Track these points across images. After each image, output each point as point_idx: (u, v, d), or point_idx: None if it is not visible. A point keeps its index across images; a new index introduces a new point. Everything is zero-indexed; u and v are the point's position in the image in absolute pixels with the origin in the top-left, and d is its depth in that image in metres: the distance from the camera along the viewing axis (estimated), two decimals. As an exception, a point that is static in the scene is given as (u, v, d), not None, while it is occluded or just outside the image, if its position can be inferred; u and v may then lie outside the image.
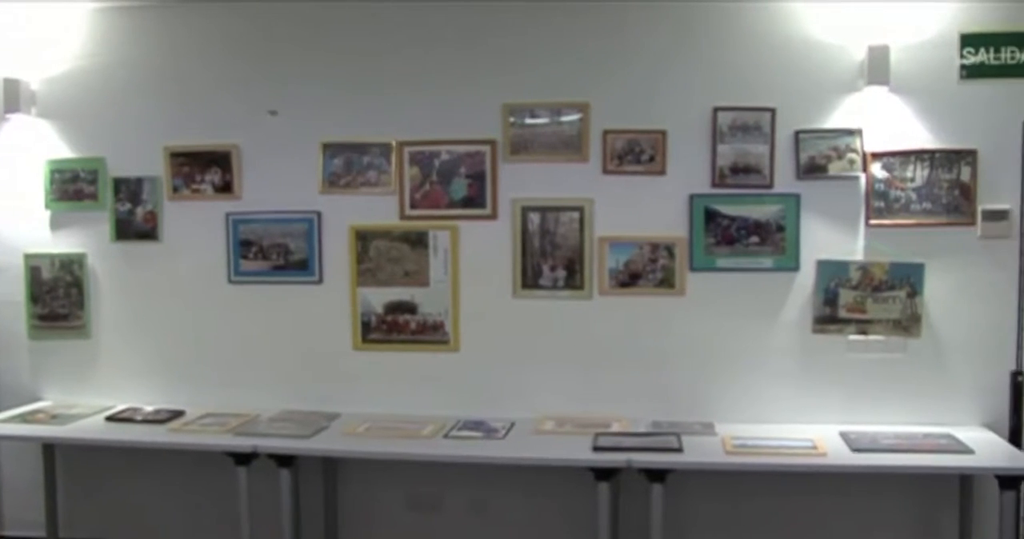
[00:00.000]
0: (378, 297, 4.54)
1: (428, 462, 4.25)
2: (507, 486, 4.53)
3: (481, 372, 4.52)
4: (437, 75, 4.48)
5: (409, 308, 4.53)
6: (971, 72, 4.25)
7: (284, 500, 4.16)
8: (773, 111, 4.28)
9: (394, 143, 4.49)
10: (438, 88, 4.47)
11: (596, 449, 3.96)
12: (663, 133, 4.33)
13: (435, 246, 4.48)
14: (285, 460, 4.13)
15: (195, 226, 4.70)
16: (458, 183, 4.45)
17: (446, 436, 4.19)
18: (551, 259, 4.42)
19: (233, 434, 4.22)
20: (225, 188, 4.62)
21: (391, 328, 4.54)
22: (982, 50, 4.24)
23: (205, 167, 4.62)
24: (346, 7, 4.51)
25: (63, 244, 4.83)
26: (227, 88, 4.63)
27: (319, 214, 4.56)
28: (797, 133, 4.28)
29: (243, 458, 4.13)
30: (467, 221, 4.47)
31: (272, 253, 4.60)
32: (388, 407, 4.54)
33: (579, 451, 3.96)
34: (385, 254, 4.51)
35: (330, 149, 4.53)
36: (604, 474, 3.90)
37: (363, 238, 4.53)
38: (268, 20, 4.58)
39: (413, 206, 4.50)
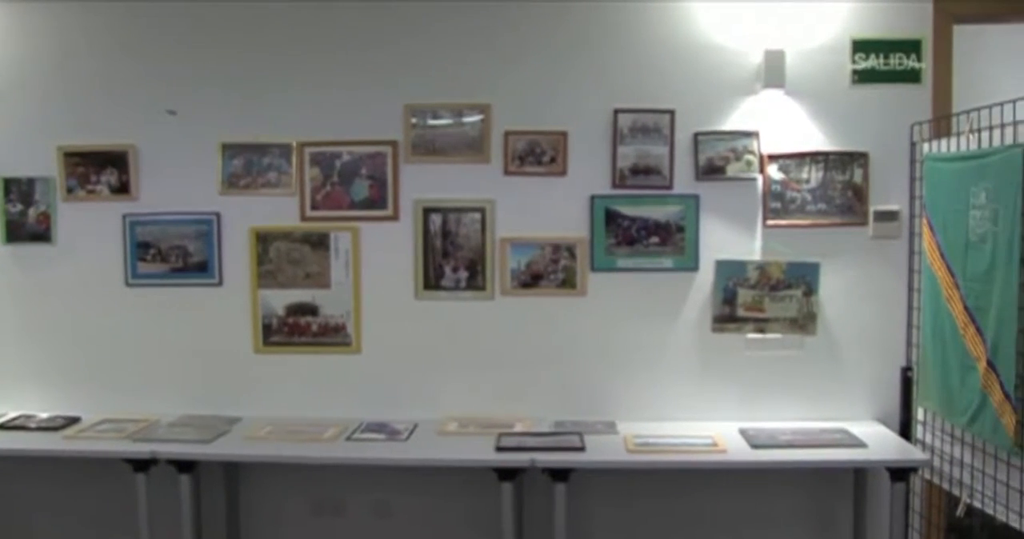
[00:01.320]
0: (279, 299, 4.49)
1: (331, 465, 4.21)
2: (411, 488, 4.52)
3: (384, 374, 4.49)
4: (338, 76, 4.44)
5: (310, 310, 4.49)
6: (862, 77, 4.37)
7: (184, 507, 4.09)
8: (672, 113, 4.34)
9: (294, 144, 4.44)
10: (339, 89, 4.44)
11: (499, 449, 3.97)
12: (564, 134, 4.36)
13: (336, 247, 4.44)
14: (185, 466, 4.06)
15: (91, 228, 4.58)
16: (359, 184, 4.42)
17: (349, 439, 4.16)
18: (453, 260, 4.41)
19: (131, 440, 4.14)
20: (122, 189, 4.52)
21: (292, 330, 4.50)
22: (872, 56, 4.36)
23: (101, 167, 4.51)
24: (246, 6, 4.45)
25: (-49, 247, 4.68)
26: (123, 87, 4.52)
27: (218, 215, 4.49)
28: (696, 135, 4.35)
29: (141, 464, 4.04)
30: (368, 222, 4.44)
31: (170, 255, 4.51)
32: (290, 410, 4.49)
33: (482, 452, 3.98)
34: (286, 256, 4.46)
35: (229, 150, 4.46)
36: (507, 474, 3.91)
37: (263, 240, 4.47)
38: (165, 18, 4.48)
39: (314, 207, 4.45)
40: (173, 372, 4.58)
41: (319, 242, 4.45)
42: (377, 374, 4.50)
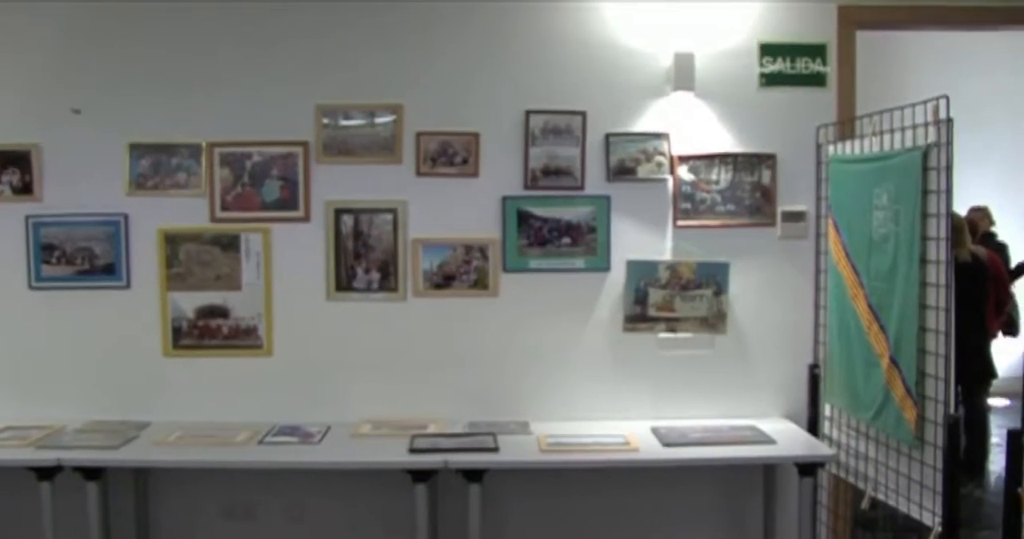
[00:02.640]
0: (189, 302, 4.42)
1: (243, 469, 4.17)
2: (324, 491, 4.47)
3: (296, 376, 4.45)
4: (249, 75, 4.39)
5: (221, 313, 4.42)
6: (769, 80, 4.45)
7: (92, 515, 3.98)
8: (584, 114, 4.37)
9: (204, 144, 4.38)
10: (250, 89, 4.38)
11: (413, 451, 3.95)
12: (476, 135, 4.36)
13: (247, 249, 4.39)
14: (92, 473, 3.95)
15: (-9, 229, 4.46)
16: (271, 185, 4.38)
17: (260, 442, 4.11)
18: (365, 261, 4.39)
19: (35, 448, 4.02)
20: (24, 190, 4.40)
21: (203, 333, 4.43)
22: (779, 59, 4.44)
23: (2, 167, 4.40)
24: (154, 5, 4.36)
25: None
26: (26, 84, 4.40)
27: (126, 217, 4.41)
28: (607, 136, 4.39)
29: (46, 472, 3.93)
30: (280, 223, 4.40)
31: (76, 257, 4.41)
32: (201, 415, 4.41)
33: (396, 453, 3.95)
34: (196, 258, 4.40)
35: (137, 150, 4.38)
36: (421, 476, 3.90)
37: (172, 241, 4.40)
38: (70, 15, 4.38)
39: (224, 208, 4.39)
40: (79, 377, 4.48)
41: (230, 244, 4.39)
42: (289, 377, 4.45)
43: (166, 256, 4.41)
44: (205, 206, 4.41)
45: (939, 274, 3.47)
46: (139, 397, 4.47)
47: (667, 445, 4.06)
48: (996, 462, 5.98)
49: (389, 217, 4.37)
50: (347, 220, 4.38)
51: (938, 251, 3.48)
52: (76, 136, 4.41)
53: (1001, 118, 4.49)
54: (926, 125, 3.53)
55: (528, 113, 4.35)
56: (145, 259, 4.43)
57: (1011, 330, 6.69)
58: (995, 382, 7.13)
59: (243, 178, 4.38)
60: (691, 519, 4.57)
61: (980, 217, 7.16)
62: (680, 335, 4.43)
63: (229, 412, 4.42)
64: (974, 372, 6.13)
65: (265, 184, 4.38)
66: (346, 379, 4.46)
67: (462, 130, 4.36)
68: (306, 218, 4.39)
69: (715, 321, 4.42)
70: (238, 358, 4.46)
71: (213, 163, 4.38)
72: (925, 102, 3.53)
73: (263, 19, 4.38)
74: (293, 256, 4.41)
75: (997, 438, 6.49)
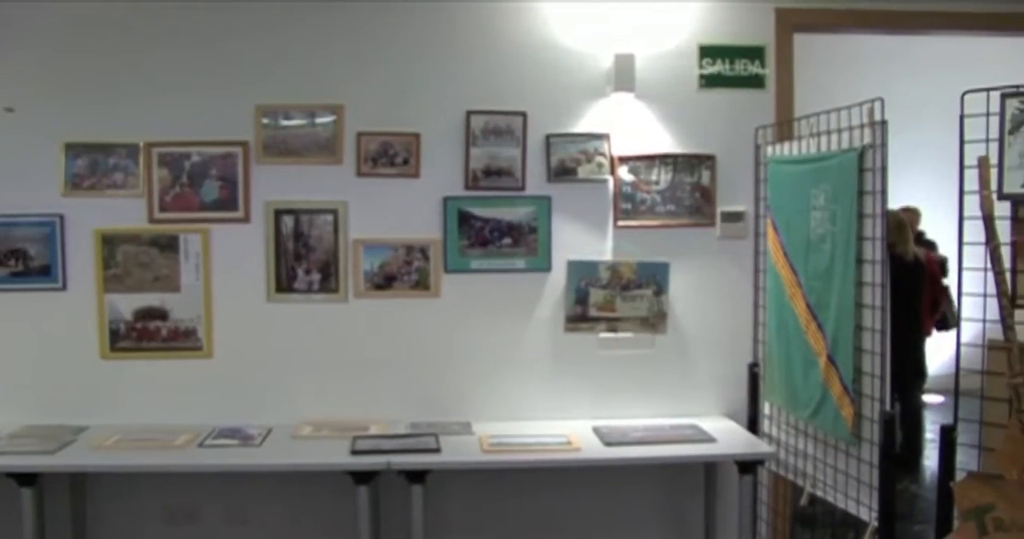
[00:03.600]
0: (127, 304, 4.37)
1: (183, 473, 4.13)
2: (266, 494, 4.44)
3: (236, 378, 4.41)
4: (187, 74, 4.34)
5: (160, 315, 4.37)
6: (709, 82, 4.49)
7: (27, 523, 3.88)
8: (525, 115, 4.38)
9: (142, 144, 4.32)
10: (188, 88, 4.33)
11: (354, 452, 3.93)
12: (417, 136, 4.35)
13: (186, 250, 4.35)
14: (27, 479, 3.87)
15: (-79, 230, 4.36)
16: (210, 185, 4.34)
17: (201, 445, 4.06)
18: (306, 262, 4.37)
19: (-34, 454, 3.94)
20: (-44, 190, 4.33)
21: (141, 336, 4.38)
22: (719, 61, 4.49)
23: (-67, 168, 4.32)
24: (89, 4, 4.30)
25: None
26: (-44, 83, 4.33)
27: (62, 217, 4.34)
28: (548, 137, 4.40)
29: (-22, 479, 3.87)
30: (219, 224, 4.35)
31: (10, 259, 4.34)
32: (139, 418, 4.35)
33: (337, 455, 3.93)
34: (133, 259, 4.34)
35: (73, 149, 4.32)
36: (363, 477, 3.88)
37: (110, 242, 4.34)
38: (2, 12, 4.31)
39: (163, 209, 4.34)
40: (13, 380, 4.39)
41: (168, 245, 4.35)
42: (230, 379, 4.41)
43: (103, 257, 4.35)
44: (143, 207, 4.35)
45: (875, 273, 3.53)
46: (76, 400, 4.40)
47: (608, 444, 4.08)
48: (931, 457, 6.09)
49: (330, 218, 4.35)
50: (287, 221, 4.35)
51: (874, 251, 3.53)
52: (9, 136, 4.32)
53: (934, 120, 4.57)
54: (862, 127, 3.58)
55: (469, 113, 4.35)
56: (81, 260, 4.37)
57: (944, 326, 6.81)
58: (929, 379, 7.27)
59: (182, 178, 4.33)
60: (633, 518, 4.60)
61: (913, 217, 7.32)
62: (621, 335, 4.46)
63: (169, 415, 4.37)
64: (908, 370, 6.23)
65: (204, 184, 4.34)
66: (287, 381, 4.43)
67: (403, 130, 4.35)
68: (246, 219, 4.35)
69: (656, 321, 4.45)
70: (177, 360, 4.40)
71: (151, 163, 4.32)
72: (861, 104, 3.58)
73: (202, 18, 4.33)
74: (233, 257, 4.37)
75: (932, 434, 6.61)
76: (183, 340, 4.39)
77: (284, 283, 4.38)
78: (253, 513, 4.50)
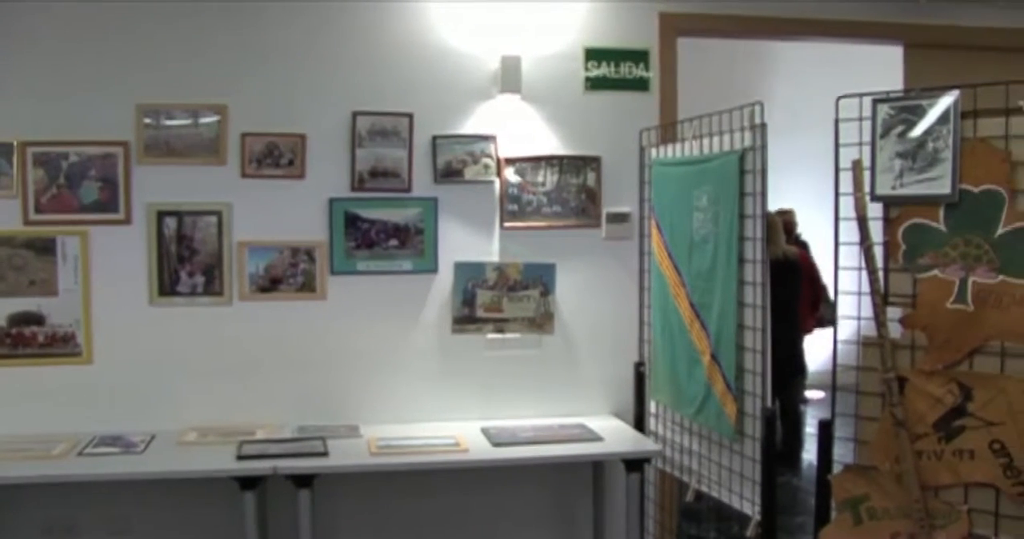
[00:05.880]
0: (1, 309, 4.23)
1: (62, 484, 3.98)
2: (150, 503, 4.33)
3: (118, 384, 4.29)
4: (65, 72, 4.21)
5: (36, 320, 4.24)
6: (594, 84, 4.55)
7: None
8: (411, 116, 4.37)
9: (16, 143, 4.19)
10: (66, 86, 4.20)
11: (240, 458, 3.87)
12: (302, 137, 4.31)
13: (64, 253, 4.23)
14: None
15: None
16: (89, 186, 4.23)
17: (80, 454, 3.95)
18: (189, 265, 4.29)
19: None
20: None
21: (16, 342, 4.24)
22: (604, 64, 4.55)
23: None
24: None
25: None
26: None
27: (-70, 220, 4.19)
28: (434, 138, 4.40)
29: None
30: (99, 226, 4.24)
31: None
32: (14, 427, 4.19)
33: (223, 461, 3.86)
34: (7, 262, 4.20)
35: (-58, 149, 4.17)
36: (249, 483, 3.82)
37: (-18, 245, 4.20)
38: None
39: (39, 211, 4.21)
40: None
41: (44, 247, 4.22)
42: (111, 385, 4.29)
43: (-25, 261, 4.21)
44: (17, 208, 4.21)
45: (756, 273, 3.61)
46: (-54, 411, 4.23)
47: (497, 445, 4.09)
48: (811, 451, 6.24)
49: (214, 219, 4.29)
50: (170, 222, 4.27)
51: (755, 251, 3.62)
52: None
53: (813, 123, 4.70)
54: (742, 130, 3.66)
55: (355, 114, 4.33)
56: (-48, 265, 4.22)
57: (824, 324, 6.99)
58: (811, 375, 7.46)
59: (59, 179, 4.21)
60: (524, 517, 4.63)
61: (789, 218, 7.52)
62: (508, 336, 4.48)
63: (47, 423, 4.23)
64: (787, 367, 6.37)
65: (83, 185, 4.23)
66: (171, 386, 4.33)
67: (288, 131, 4.31)
68: (127, 220, 4.25)
69: (542, 321, 4.49)
70: (55, 366, 4.27)
71: (26, 163, 4.19)
72: (741, 108, 3.66)
73: (81, 16, 4.22)
74: (113, 260, 4.26)
75: (812, 428, 6.77)
76: (61, 346, 4.27)
77: (167, 286, 4.29)
78: (136, 523, 4.38)
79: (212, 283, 4.32)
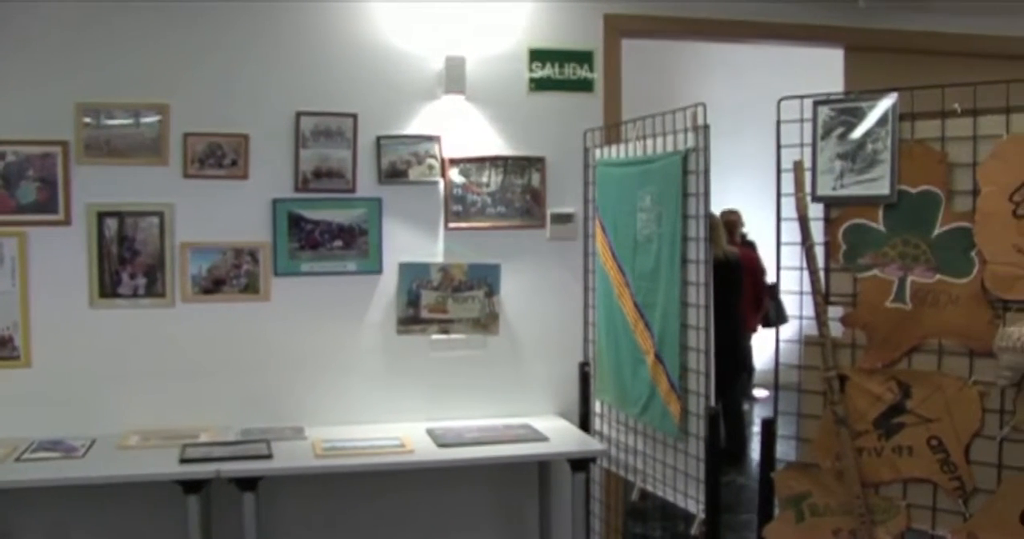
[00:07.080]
0: (-65, 312, 4.16)
1: (-2, 490, 3.93)
2: (91, 508, 4.26)
3: (58, 388, 4.22)
4: (1, 71, 4.14)
5: (-29, 323, 4.18)
6: (539, 85, 4.57)
7: None
8: (355, 117, 4.36)
9: (-50, 143, 4.12)
10: (3, 85, 4.13)
11: (184, 461, 3.83)
12: (246, 137, 4.28)
13: (0, 255, 4.16)
14: None
15: None
16: (26, 187, 4.16)
17: (18, 460, 3.88)
18: (130, 266, 4.24)
19: None
20: None
21: (-49, 345, 4.17)
22: (548, 65, 4.57)
23: None
24: None
25: None
26: None
27: None
28: (379, 138, 4.39)
29: None
30: (37, 227, 4.17)
31: None
32: (-49, 433, 4.13)
33: (165, 464, 3.82)
34: (-59, 264, 4.14)
35: None
36: (192, 486, 3.78)
37: (-84, 248, 4.12)
38: None
39: (-26, 212, 4.15)
40: None
41: (-20, 249, 4.16)
42: (50, 389, 4.22)
43: (-91, 264, 4.13)
44: (-49, 209, 4.14)
45: (699, 273, 3.64)
46: None
47: (442, 446, 4.09)
48: (756, 449, 6.32)
49: (155, 220, 4.24)
50: (111, 223, 4.21)
51: (698, 251, 3.65)
52: None
53: (755, 124, 4.77)
54: (686, 131, 3.70)
55: (299, 115, 4.30)
56: None
57: (769, 323, 7.07)
58: (756, 374, 7.54)
59: (-5, 180, 4.15)
60: (470, 518, 4.63)
61: (735, 219, 7.60)
62: (453, 336, 4.49)
63: (-17, 428, 4.16)
64: (729, 366, 6.43)
65: (20, 186, 4.16)
66: (112, 389, 4.27)
67: (231, 131, 4.27)
68: (66, 221, 4.19)
69: (487, 322, 4.49)
70: (-8, 371, 4.20)
71: (-39, 164, 4.13)
72: (685, 109, 3.69)
73: (17, 12, 4.14)
74: (52, 262, 4.19)
75: (757, 427, 6.86)
76: (-2, 349, 4.21)
77: (108, 288, 4.24)
78: (76, 530, 4.31)
79: (154, 285, 4.27)
